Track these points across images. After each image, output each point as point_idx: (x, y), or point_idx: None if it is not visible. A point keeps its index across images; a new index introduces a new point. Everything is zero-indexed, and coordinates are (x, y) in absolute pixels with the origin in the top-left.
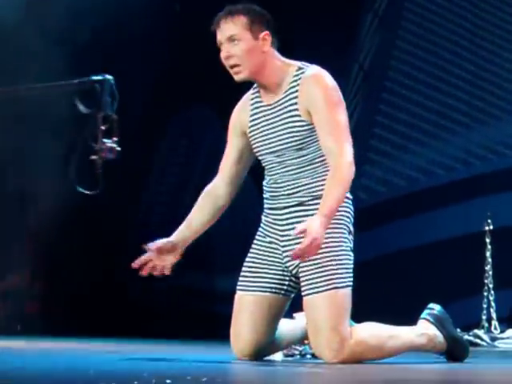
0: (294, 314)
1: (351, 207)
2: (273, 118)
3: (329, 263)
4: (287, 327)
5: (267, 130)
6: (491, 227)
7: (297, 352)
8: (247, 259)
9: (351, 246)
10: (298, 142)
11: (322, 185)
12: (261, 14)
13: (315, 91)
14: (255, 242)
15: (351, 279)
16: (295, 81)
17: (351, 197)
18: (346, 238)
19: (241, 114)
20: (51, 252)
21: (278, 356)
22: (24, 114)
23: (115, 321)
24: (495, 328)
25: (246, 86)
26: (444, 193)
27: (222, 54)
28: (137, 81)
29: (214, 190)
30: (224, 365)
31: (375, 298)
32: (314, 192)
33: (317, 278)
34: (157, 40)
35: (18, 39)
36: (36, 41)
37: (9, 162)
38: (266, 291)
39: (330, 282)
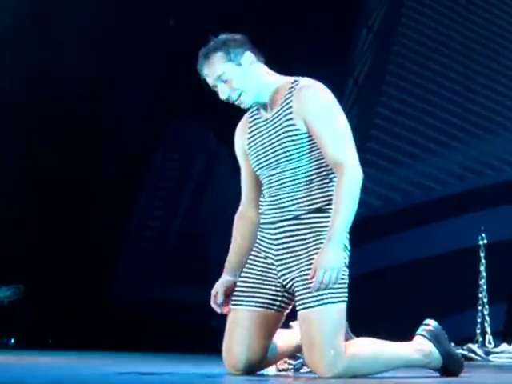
0: (291, 323)
1: None
2: (269, 130)
3: None
4: (282, 339)
5: (263, 143)
6: (485, 241)
7: (290, 366)
8: (242, 274)
9: (346, 261)
10: (293, 152)
11: (317, 198)
12: (233, 40)
13: (309, 101)
14: (250, 257)
15: (346, 294)
16: (290, 93)
17: None
18: None
19: (240, 135)
20: (42, 266)
21: (271, 370)
22: None
23: (107, 334)
24: (489, 342)
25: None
26: (439, 207)
27: (222, 96)
28: (132, 94)
29: (246, 214)
30: (215, 379)
31: (369, 312)
32: (308, 206)
33: (310, 292)
34: (151, 55)
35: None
36: None
37: None
38: (259, 306)
39: (324, 296)
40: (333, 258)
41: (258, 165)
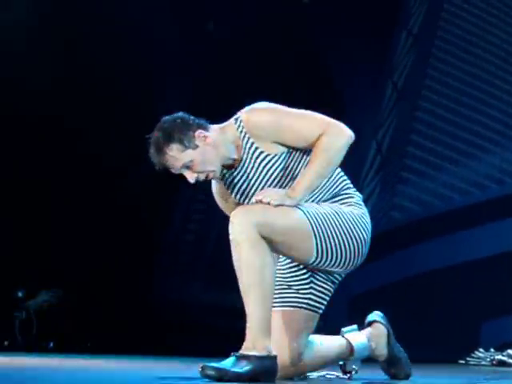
0: (343, 329)
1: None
2: (249, 176)
3: None
4: (325, 345)
5: (252, 187)
6: None
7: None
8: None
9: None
10: (286, 172)
11: (328, 188)
12: (178, 127)
13: (262, 125)
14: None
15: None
16: (241, 132)
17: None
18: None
19: (221, 191)
20: (83, 271)
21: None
22: None
23: (145, 338)
24: None
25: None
26: (478, 212)
27: (191, 181)
28: (172, 95)
29: None
30: None
31: (409, 316)
32: (323, 198)
33: None
34: (189, 62)
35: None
36: None
37: None
38: (286, 306)
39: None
40: (276, 195)
41: None
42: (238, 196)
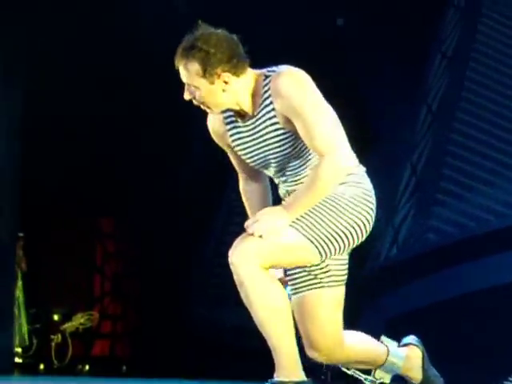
0: (382, 337)
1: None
2: (256, 137)
3: None
4: (367, 346)
5: (254, 149)
6: None
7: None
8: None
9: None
10: (293, 152)
11: None
12: (215, 56)
13: (281, 88)
14: None
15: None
16: (266, 91)
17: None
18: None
19: (220, 132)
20: (119, 293)
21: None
22: None
23: (180, 361)
24: None
25: None
26: None
27: (185, 97)
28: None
29: (253, 183)
30: None
31: (445, 338)
32: None
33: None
34: None
35: None
36: None
37: None
38: (303, 290)
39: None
40: (271, 218)
41: (254, 165)
42: (238, 148)
